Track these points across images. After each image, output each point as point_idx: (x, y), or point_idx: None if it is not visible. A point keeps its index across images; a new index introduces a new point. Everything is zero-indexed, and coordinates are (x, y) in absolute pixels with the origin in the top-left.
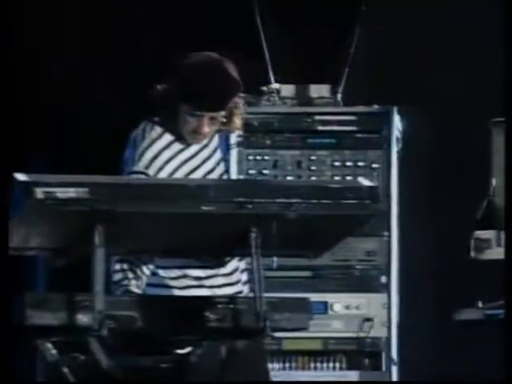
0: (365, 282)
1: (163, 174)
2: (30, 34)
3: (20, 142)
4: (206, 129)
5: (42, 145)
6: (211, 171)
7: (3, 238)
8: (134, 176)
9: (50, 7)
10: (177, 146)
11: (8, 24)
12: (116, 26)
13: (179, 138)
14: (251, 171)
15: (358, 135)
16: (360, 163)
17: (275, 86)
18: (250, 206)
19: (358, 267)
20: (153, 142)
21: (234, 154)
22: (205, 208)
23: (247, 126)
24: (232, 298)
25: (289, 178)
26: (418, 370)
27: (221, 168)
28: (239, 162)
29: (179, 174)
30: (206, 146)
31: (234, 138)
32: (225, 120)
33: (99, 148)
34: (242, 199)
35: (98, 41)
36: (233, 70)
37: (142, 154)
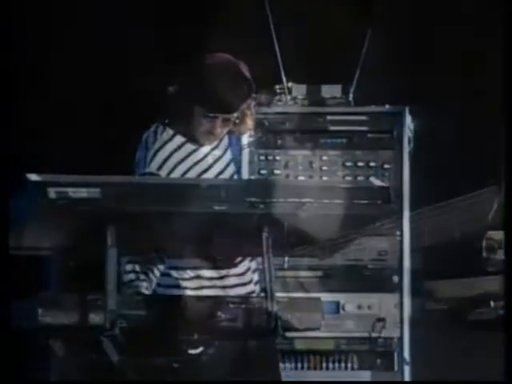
0: (377, 281)
1: (175, 175)
2: (30, 33)
3: (19, 142)
4: (219, 130)
5: (41, 145)
6: (222, 172)
7: (3, 237)
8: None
9: (50, 7)
10: (188, 148)
11: (8, 24)
12: (118, 24)
13: (190, 139)
14: (263, 171)
15: (370, 135)
16: (371, 163)
17: (287, 85)
18: (261, 206)
19: (370, 267)
20: (164, 143)
21: (245, 154)
22: (217, 208)
23: (258, 126)
24: (244, 298)
25: (300, 178)
26: (430, 370)
27: (232, 169)
28: (251, 162)
29: (190, 175)
30: (216, 147)
31: (245, 139)
32: (237, 121)
33: (99, 148)
34: (253, 199)
35: (99, 40)
36: (247, 72)
37: (153, 156)
